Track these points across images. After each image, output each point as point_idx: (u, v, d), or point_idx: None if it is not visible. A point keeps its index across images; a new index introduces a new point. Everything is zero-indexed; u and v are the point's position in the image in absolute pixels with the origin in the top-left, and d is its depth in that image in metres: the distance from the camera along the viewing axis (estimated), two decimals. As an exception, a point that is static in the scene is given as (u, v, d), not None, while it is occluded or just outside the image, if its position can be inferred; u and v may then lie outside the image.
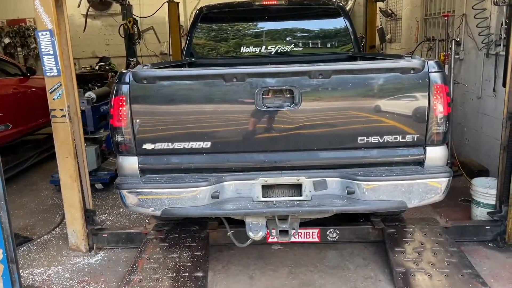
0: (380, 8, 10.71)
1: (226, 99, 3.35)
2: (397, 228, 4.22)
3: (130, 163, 3.44)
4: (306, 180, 3.36)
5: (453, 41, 6.37)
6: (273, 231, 3.52)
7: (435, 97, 3.25)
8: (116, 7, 12.81)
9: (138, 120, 3.33)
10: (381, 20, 11.44)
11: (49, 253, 4.43)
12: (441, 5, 7.47)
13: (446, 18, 6.61)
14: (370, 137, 3.33)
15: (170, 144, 3.37)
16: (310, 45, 5.98)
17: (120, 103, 3.30)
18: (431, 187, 3.33)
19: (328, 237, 4.17)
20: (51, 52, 3.88)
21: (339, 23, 5.76)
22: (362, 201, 3.31)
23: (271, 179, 3.40)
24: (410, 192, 3.31)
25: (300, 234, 4.01)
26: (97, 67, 10.72)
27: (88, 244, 4.35)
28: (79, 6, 11.00)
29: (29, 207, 5.72)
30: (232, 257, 4.16)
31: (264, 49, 5.77)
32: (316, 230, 4.09)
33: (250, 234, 3.49)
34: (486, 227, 4.26)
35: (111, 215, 5.32)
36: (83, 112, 5.63)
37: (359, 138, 3.34)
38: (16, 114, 7.03)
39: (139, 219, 5.11)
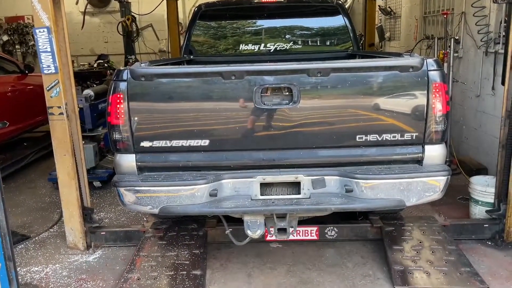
0: (379, 6, 10.69)
1: (225, 97, 3.34)
2: (395, 226, 4.22)
3: (128, 161, 3.43)
4: (304, 178, 3.36)
5: (452, 39, 6.37)
6: (272, 229, 3.51)
7: (434, 95, 3.24)
8: (114, 4, 12.78)
9: (136, 118, 3.32)
10: (380, 18, 11.43)
11: (47, 251, 4.42)
12: (440, 3, 7.46)
13: (445, 16, 6.60)
14: (368, 135, 3.32)
15: (168, 142, 3.36)
16: (309, 43, 5.97)
17: (118, 101, 3.29)
18: (429, 186, 3.33)
19: (326, 235, 4.16)
20: (49, 50, 3.86)
21: (338, 21, 5.75)
22: (361, 199, 3.30)
23: (270, 177, 3.39)
24: (409, 191, 3.31)
25: (298, 232, 4.01)
26: (95, 65, 10.68)
27: (86, 242, 4.34)
28: (77, 3, 10.99)
29: (27, 204, 5.70)
30: (230, 255, 4.16)
31: (263, 47, 5.76)
32: (315, 228, 4.09)
33: (249, 232, 3.48)
34: (485, 226, 4.26)
35: (109, 213, 5.31)
36: (81, 109, 5.61)
37: (357, 136, 3.33)
38: (14, 111, 7.01)
39: (137, 217, 5.10)
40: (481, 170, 5.63)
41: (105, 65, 10.60)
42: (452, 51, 6.30)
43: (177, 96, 3.35)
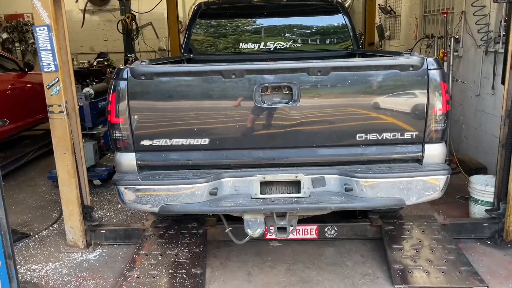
0: (379, 4, 10.69)
1: (225, 96, 3.34)
2: (395, 225, 4.23)
3: (128, 160, 3.43)
4: (304, 177, 3.36)
5: (452, 38, 6.37)
6: (271, 228, 3.52)
7: (434, 94, 3.24)
8: (114, 3, 12.78)
9: (136, 116, 3.32)
10: (380, 17, 11.43)
11: (46, 249, 4.42)
12: (440, 2, 7.45)
13: (445, 15, 6.61)
14: (368, 134, 3.32)
15: (168, 140, 3.36)
16: (309, 42, 5.97)
17: (118, 99, 3.29)
18: (429, 185, 3.33)
19: (326, 234, 4.17)
20: (49, 48, 3.86)
21: (338, 19, 5.75)
22: (361, 198, 3.31)
23: (270, 176, 3.39)
24: (409, 190, 3.31)
25: (298, 231, 4.01)
26: (95, 63, 10.66)
27: (86, 240, 4.34)
28: (77, 1, 10.97)
29: (26, 203, 5.70)
30: (230, 253, 4.16)
31: (263, 46, 5.76)
32: (314, 227, 4.09)
33: (248, 231, 3.49)
34: (484, 225, 4.27)
35: (109, 211, 5.31)
36: (81, 108, 5.60)
37: (357, 135, 3.34)
38: (14, 109, 7.00)
39: (137, 215, 5.10)
40: (481, 169, 5.63)
41: (105, 63, 10.58)
42: (452, 50, 6.30)
43: (177, 95, 3.35)
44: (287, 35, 5.86)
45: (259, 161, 3.43)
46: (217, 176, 3.37)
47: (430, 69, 3.23)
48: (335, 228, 4.17)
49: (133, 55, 10.33)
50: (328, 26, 5.97)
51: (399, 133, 3.32)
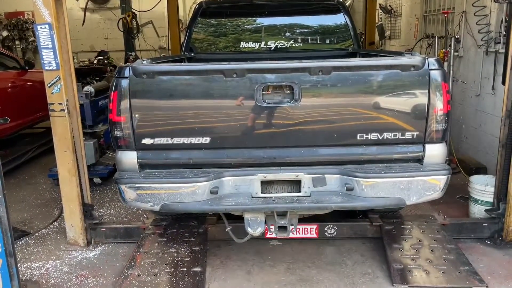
0: (379, 4, 10.70)
1: (226, 95, 3.34)
2: (395, 224, 4.23)
3: (129, 158, 3.43)
4: (305, 177, 3.36)
5: (452, 38, 6.37)
6: (272, 227, 3.52)
7: (435, 94, 3.25)
8: (115, 1, 12.78)
9: (137, 115, 3.32)
10: (381, 16, 11.43)
11: (47, 247, 4.43)
12: (441, 2, 7.46)
13: (445, 15, 6.62)
14: (369, 134, 3.33)
15: (169, 139, 3.37)
16: (310, 41, 5.97)
17: (120, 98, 3.29)
18: (430, 185, 3.34)
19: (326, 233, 4.18)
20: (50, 46, 3.86)
21: (339, 19, 5.75)
22: (361, 197, 3.31)
23: (270, 175, 3.40)
24: (409, 189, 3.32)
25: (298, 230, 4.02)
26: (95, 61, 10.67)
27: (86, 239, 4.35)
28: (77, -1, 10.95)
29: (27, 201, 5.71)
30: (230, 252, 4.17)
31: (264, 45, 5.76)
32: (314, 226, 4.10)
33: (249, 230, 3.49)
34: (484, 225, 4.28)
35: (109, 209, 5.32)
36: (81, 106, 5.60)
37: (358, 135, 3.34)
38: (15, 107, 7.01)
39: (137, 214, 5.11)
40: (481, 169, 5.64)
41: (105, 61, 10.59)
42: (452, 50, 6.30)
43: (178, 94, 3.36)
44: (288, 34, 5.86)
45: (260, 160, 3.43)
46: (218, 175, 3.37)
47: (431, 69, 3.24)
48: (335, 227, 4.18)
49: (133, 53, 10.34)
50: (329, 26, 5.97)
51: (400, 133, 3.33)
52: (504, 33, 5.26)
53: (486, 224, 4.27)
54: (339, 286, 3.64)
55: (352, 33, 5.69)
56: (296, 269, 3.88)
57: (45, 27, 3.82)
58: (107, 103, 6.21)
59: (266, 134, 3.39)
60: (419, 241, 4.01)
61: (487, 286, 3.48)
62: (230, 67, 3.25)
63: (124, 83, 3.29)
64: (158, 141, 3.37)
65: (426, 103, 3.27)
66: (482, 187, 4.53)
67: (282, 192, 3.43)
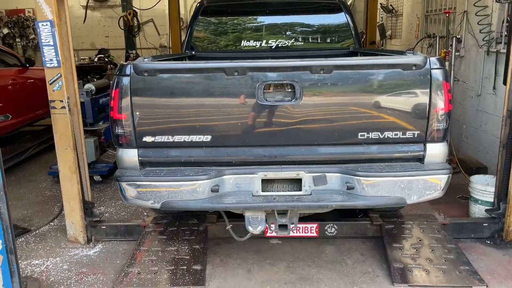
0: (381, 4, 10.69)
1: (227, 93, 3.34)
2: (395, 224, 4.23)
3: (130, 156, 3.43)
4: (306, 175, 3.36)
5: (453, 38, 6.37)
6: (272, 225, 3.52)
7: (436, 93, 3.24)
8: (116, -1, 12.77)
9: (138, 113, 3.32)
10: (382, 16, 11.43)
11: (47, 244, 4.43)
12: (442, 1, 7.46)
13: (447, 15, 6.61)
14: (370, 133, 3.33)
15: (170, 137, 3.36)
16: (311, 40, 5.97)
17: (121, 95, 3.29)
18: (430, 184, 3.33)
19: (326, 232, 4.18)
20: (51, 43, 3.86)
21: (340, 18, 5.74)
22: (362, 196, 3.31)
23: (271, 174, 3.40)
24: (410, 189, 3.31)
25: (298, 229, 4.02)
26: (96, 59, 10.69)
27: (87, 236, 4.35)
28: (79, -3, 10.93)
29: (27, 198, 5.71)
30: (230, 250, 4.17)
31: (265, 43, 5.75)
32: (315, 225, 4.10)
33: (249, 228, 3.49)
34: (484, 225, 4.28)
35: (110, 207, 5.32)
36: (82, 104, 5.59)
37: (359, 134, 3.34)
38: (15, 104, 7.01)
39: (137, 212, 5.11)
40: (481, 169, 5.65)
41: (106, 59, 10.61)
42: (453, 50, 6.30)
43: (179, 92, 3.35)
44: (289, 33, 5.86)
45: (260, 159, 3.43)
46: (218, 173, 3.37)
47: (433, 69, 3.24)
48: (335, 226, 4.18)
49: (134, 51, 10.36)
50: (330, 25, 5.97)
51: (401, 132, 3.32)
52: (506, 33, 5.27)
53: (486, 224, 4.27)
54: (339, 285, 3.64)
55: (353, 32, 5.68)
56: (296, 267, 3.89)
57: (47, 24, 3.82)
58: (107, 101, 6.23)
59: (267, 132, 3.39)
60: (419, 240, 4.01)
61: (487, 286, 3.49)
62: (231, 65, 3.25)
63: (125, 80, 3.28)
64: (159, 139, 3.37)
65: (428, 103, 3.27)
66: (483, 187, 4.53)
67: (282, 191, 3.43)
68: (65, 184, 4.19)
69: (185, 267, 3.70)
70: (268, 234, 3.97)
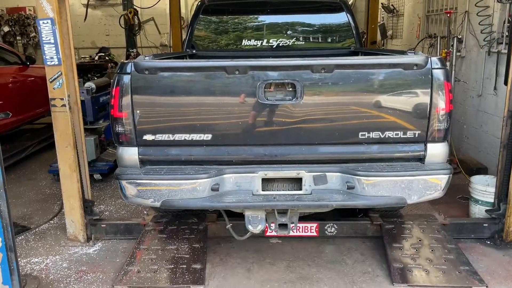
0: (382, 4, 10.68)
1: (228, 92, 3.34)
2: (395, 224, 4.23)
3: (130, 154, 3.42)
4: (306, 174, 3.36)
5: (455, 38, 6.36)
6: (272, 224, 3.52)
7: (437, 93, 3.24)
8: (116, -3, 12.77)
9: (139, 111, 3.31)
10: (383, 16, 11.42)
11: (47, 242, 4.43)
12: (444, 2, 7.45)
13: (448, 15, 6.60)
14: (371, 133, 3.32)
15: (170, 135, 3.36)
16: (312, 39, 5.96)
17: (121, 94, 3.28)
18: (431, 184, 3.33)
19: (326, 231, 4.18)
20: (52, 41, 3.85)
21: (341, 17, 5.74)
22: (362, 196, 3.30)
23: (271, 173, 3.40)
24: (410, 188, 3.31)
25: (298, 228, 4.02)
26: (96, 58, 10.67)
27: (86, 234, 4.35)
28: (79, -5, 10.92)
29: (27, 196, 5.71)
30: (230, 249, 4.17)
31: (266, 43, 5.75)
32: (315, 225, 4.10)
33: (250, 227, 3.49)
34: (484, 225, 4.28)
35: (110, 205, 5.32)
36: (82, 102, 5.58)
37: (360, 133, 3.33)
38: (16, 102, 7.00)
39: (137, 210, 5.11)
40: (481, 170, 5.64)
41: (106, 58, 10.60)
42: (454, 50, 6.30)
43: (180, 90, 3.35)
44: (290, 32, 5.86)
45: (261, 158, 3.43)
46: (219, 172, 3.37)
47: (434, 68, 3.23)
48: (335, 226, 4.18)
49: (134, 50, 10.35)
50: (331, 24, 5.96)
51: (402, 132, 3.32)
52: (507, 34, 5.27)
53: (487, 225, 4.27)
54: (339, 284, 3.64)
55: (354, 32, 5.68)
56: (296, 267, 3.88)
57: (47, 22, 3.82)
58: (108, 100, 6.23)
59: (267, 131, 3.38)
60: (419, 240, 4.01)
61: (486, 286, 3.49)
62: (232, 64, 3.24)
63: (126, 79, 3.28)
64: (160, 137, 3.36)
65: (429, 102, 3.26)
66: (483, 188, 4.53)
67: (283, 190, 3.42)
68: (65, 182, 4.19)
69: (185, 266, 3.70)
70: (268, 234, 3.97)
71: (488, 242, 4.24)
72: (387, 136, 3.32)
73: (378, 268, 3.84)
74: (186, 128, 3.36)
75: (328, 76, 3.24)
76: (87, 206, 4.30)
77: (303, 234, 4.11)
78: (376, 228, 4.24)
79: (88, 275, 3.83)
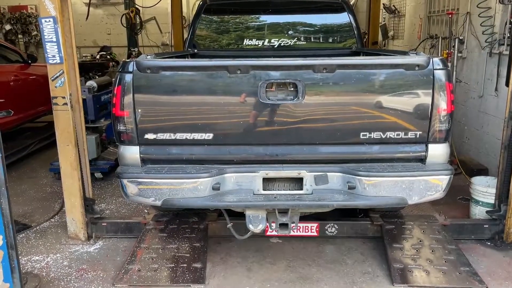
0: (383, 4, 10.68)
1: (230, 91, 3.34)
2: (395, 224, 4.23)
3: (131, 153, 3.43)
4: (307, 174, 3.36)
5: (456, 39, 6.36)
6: (273, 224, 3.52)
7: (439, 94, 3.24)
8: (118, -4, 12.77)
9: (140, 110, 3.32)
10: (384, 16, 11.41)
11: (47, 240, 4.43)
12: (445, 2, 7.44)
13: (450, 16, 6.60)
14: (372, 133, 3.32)
15: (172, 134, 3.36)
16: (313, 40, 5.97)
17: (123, 92, 3.28)
18: (432, 185, 3.33)
19: (326, 231, 4.18)
20: (54, 40, 3.86)
21: (343, 18, 5.74)
22: (363, 196, 3.31)
23: (272, 172, 3.40)
24: (411, 189, 3.31)
25: (299, 228, 4.02)
26: (98, 56, 10.68)
27: (87, 233, 4.35)
28: (81, -6, 10.93)
29: (28, 194, 5.72)
30: (230, 249, 4.17)
31: (267, 42, 5.76)
32: (315, 225, 4.10)
33: (250, 226, 3.49)
34: (485, 226, 4.28)
35: (110, 204, 5.32)
36: (84, 101, 5.60)
37: (361, 133, 3.34)
38: (17, 100, 7.01)
39: (137, 209, 5.11)
40: (482, 171, 5.65)
41: (108, 57, 10.60)
42: (456, 51, 6.30)
43: (182, 89, 3.35)
44: (291, 32, 5.86)
45: (262, 157, 3.43)
46: (220, 171, 3.37)
47: (436, 69, 3.23)
48: (335, 226, 4.18)
49: (136, 49, 10.36)
50: (333, 24, 5.97)
51: (403, 132, 3.32)
52: (509, 35, 5.27)
53: (487, 226, 4.27)
54: (339, 284, 3.64)
55: (356, 32, 5.68)
56: (296, 267, 3.89)
57: (50, 21, 3.82)
58: (109, 98, 6.24)
59: (269, 131, 3.38)
60: (420, 241, 4.01)
61: (487, 287, 3.49)
62: (234, 64, 3.24)
63: (128, 77, 3.28)
64: (161, 136, 3.37)
65: (430, 103, 3.26)
66: (484, 189, 4.53)
67: (284, 190, 3.43)
68: (66, 180, 4.19)
69: (185, 265, 3.70)
70: (268, 233, 3.97)
71: (489, 243, 4.24)
72: (388, 137, 3.33)
73: (378, 269, 3.84)
74: (187, 127, 3.36)
75: (330, 76, 3.24)
76: (88, 205, 4.31)
77: (304, 234, 4.12)
78: (377, 229, 4.24)
79: (89, 273, 3.84)
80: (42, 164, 6.78)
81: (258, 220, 3.47)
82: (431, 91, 3.25)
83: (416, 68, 3.23)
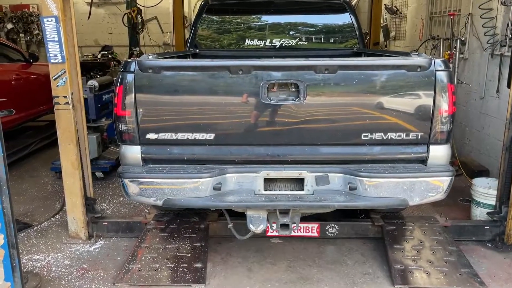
0: (385, 5, 10.68)
1: (231, 91, 3.34)
2: (396, 225, 4.23)
3: (132, 152, 3.43)
4: (308, 175, 3.36)
5: (458, 40, 6.36)
6: (274, 224, 3.52)
7: (440, 95, 3.24)
8: (120, -4, 12.78)
9: (142, 110, 3.32)
10: (386, 17, 11.42)
11: (48, 239, 4.44)
12: (447, 3, 7.44)
13: (451, 17, 6.60)
14: (374, 134, 3.32)
15: (173, 134, 3.37)
16: (315, 40, 5.97)
17: (125, 92, 3.29)
18: (433, 186, 3.33)
19: (327, 232, 4.18)
20: (56, 39, 3.86)
21: (344, 18, 5.75)
22: (364, 197, 3.31)
23: (274, 173, 3.40)
24: (412, 190, 3.31)
25: (299, 228, 4.02)
26: (99, 56, 10.70)
27: (88, 232, 4.36)
28: (83, -7, 10.94)
29: (29, 193, 5.72)
30: (231, 249, 4.17)
31: (269, 43, 5.76)
32: (316, 225, 4.10)
33: (251, 226, 3.49)
34: (485, 227, 4.27)
35: (111, 204, 5.33)
36: (85, 100, 5.58)
37: (363, 134, 3.33)
38: (19, 99, 7.02)
39: (138, 208, 5.12)
40: (483, 172, 5.64)
41: (109, 56, 10.62)
42: (457, 52, 6.29)
43: (183, 89, 3.35)
44: (293, 32, 5.86)
45: (263, 158, 3.43)
46: (221, 171, 3.37)
47: (438, 70, 3.23)
48: (336, 226, 4.18)
49: (137, 49, 10.37)
50: (335, 25, 5.97)
51: (405, 134, 3.32)
52: (510, 36, 5.26)
53: (488, 227, 4.26)
54: (339, 285, 3.64)
55: (357, 32, 5.68)
56: (297, 267, 3.89)
57: (52, 20, 3.82)
58: (110, 98, 6.24)
59: (270, 131, 3.38)
60: (421, 242, 4.01)
61: (487, 289, 3.49)
62: (236, 64, 3.24)
63: (130, 77, 3.28)
64: (162, 136, 3.37)
65: (432, 104, 3.26)
66: (485, 190, 4.52)
67: (285, 190, 3.43)
68: (67, 180, 4.20)
69: (185, 265, 3.70)
70: (269, 233, 3.97)
71: (489, 245, 4.23)
72: (389, 138, 3.32)
73: (379, 269, 3.84)
74: (189, 127, 3.36)
75: (332, 76, 3.24)
76: (89, 204, 4.32)
77: (304, 234, 4.12)
78: (377, 229, 4.24)
79: (90, 272, 3.84)
80: (43, 163, 6.79)
81: (259, 220, 3.47)
82: (432, 92, 3.24)
83: (418, 69, 3.23)
